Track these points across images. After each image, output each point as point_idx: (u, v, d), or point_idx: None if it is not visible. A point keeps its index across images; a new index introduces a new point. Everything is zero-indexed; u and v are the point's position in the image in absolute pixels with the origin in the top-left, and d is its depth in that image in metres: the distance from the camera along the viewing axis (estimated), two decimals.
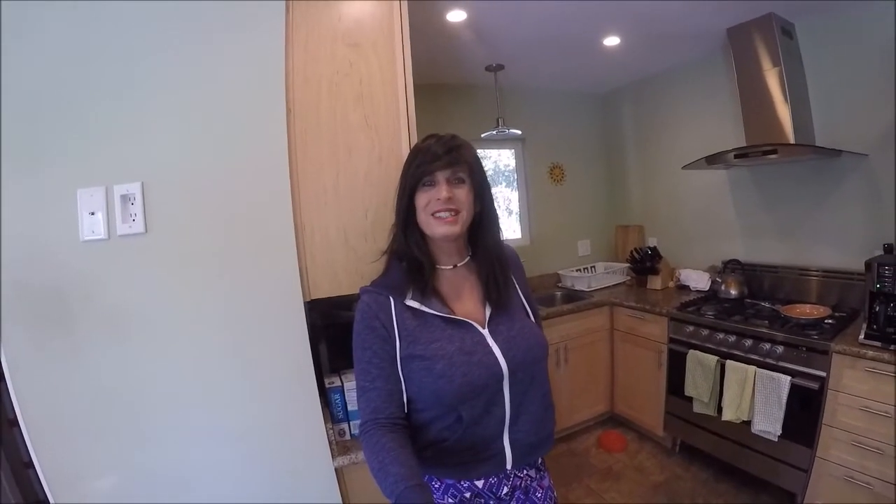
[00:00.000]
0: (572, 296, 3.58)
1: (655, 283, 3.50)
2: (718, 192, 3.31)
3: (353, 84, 1.44)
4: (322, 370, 1.63)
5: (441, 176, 1.07)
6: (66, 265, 1.17)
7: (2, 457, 1.40)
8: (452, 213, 1.07)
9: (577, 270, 3.87)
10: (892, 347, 1.91)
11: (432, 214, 1.08)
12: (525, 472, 1.17)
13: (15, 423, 1.19)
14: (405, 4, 1.51)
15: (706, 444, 2.73)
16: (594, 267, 4.00)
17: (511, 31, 2.56)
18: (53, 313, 1.16)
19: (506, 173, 3.98)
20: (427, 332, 1.07)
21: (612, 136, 4.18)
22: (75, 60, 1.15)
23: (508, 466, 1.12)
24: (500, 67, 3.16)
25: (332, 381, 1.55)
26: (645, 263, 3.54)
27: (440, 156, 1.06)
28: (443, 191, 1.06)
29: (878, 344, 1.96)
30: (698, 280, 3.32)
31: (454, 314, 1.10)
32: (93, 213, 1.18)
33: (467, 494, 1.11)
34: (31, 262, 1.14)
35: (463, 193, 1.09)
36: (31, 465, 1.19)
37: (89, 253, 1.19)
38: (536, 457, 1.20)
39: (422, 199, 1.08)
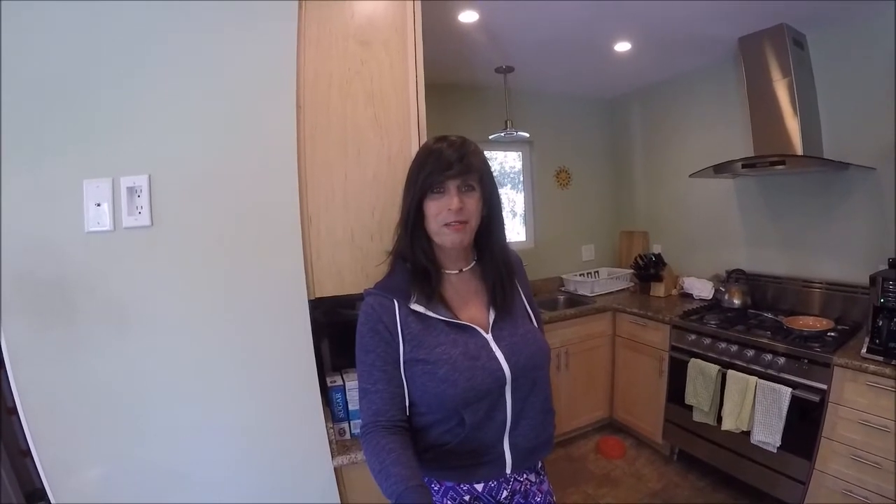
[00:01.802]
0: (575, 300, 3.57)
1: (659, 290, 3.50)
2: (724, 201, 3.30)
3: (364, 82, 1.43)
4: (324, 368, 1.63)
5: (452, 185, 1.06)
6: (70, 256, 1.17)
7: (0, 445, 1.40)
8: (461, 224, 1.07)
9: (580, 275, 3.88)
10: (894, 362, 1.90)
11: (443, 225, 1.06)
12: (525, 476, 1.17)
13: (14, 411, 1.19)
14: (419, 3, 1.50)
15: (705, 453, 2.73)
16: (598, 272, 4.00)
17: (522, 33, 2.56)
18: (56, 304, 1.16)
19: (512, 175, 3.97)
20: (431, 336, 1.06)
21: (619, 142, 4.17)
22: (84, 51, 1.15)
23: (508, 470, 1.11)
24: (510, 69, 3.16)
25: (334, 380, 1.55)
26: (649, 270, 3.53)
27: (452, 163, 1.04)
28: (454, 201, 1.05)
29: (881, 358, 1.96)
30: (702, 288, 3.31)
31: (459, 319, 1.09)
32: (98, 205, 1.17)
33: (467, 497, 1.11)
34: (34, 252, 1.14)
35: (472, 202, 1.08)
36: (28, 453, 1.19)
37: (94, 244, 1.18)
38: (535, 461, 1.20)
39: (432, 207, 1.07)
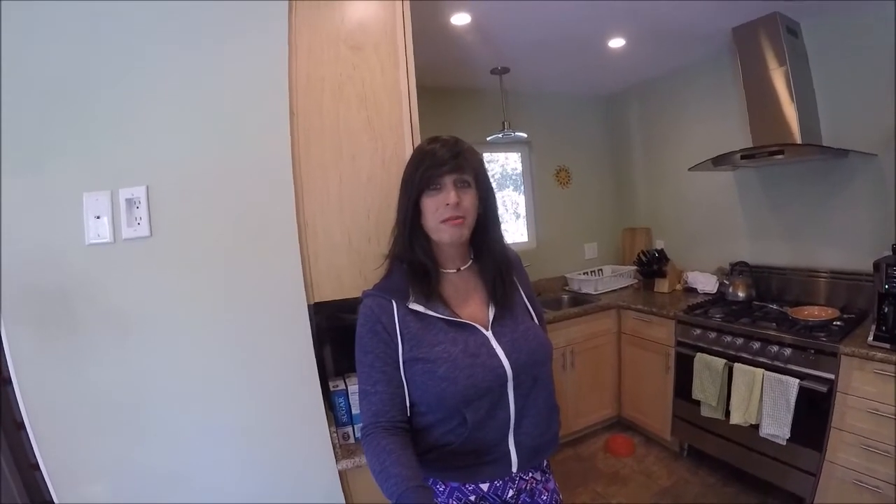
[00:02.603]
0: (579, 299, 3.57)
1: (663, 285, 3.48)
2: (725, 194, 3.29)
3: (357, 86, 1.44)
4: (326, 373, 1.63)
5: (448, 180, 1.07)
6: (71, 268, 1.17)
7: (8, 458, 1.41)
8: (459, 219, 1.07)
9: (583, 273, 3.86)
10: None
11: (441, 221, 1.07)
12: (530, 474, 1.17)
13: (22, 426, 1.20)
14: (407, 5, 1.51)
15: (714, 448, 2.72)
16: (601, 270, 3.98)
17: (516, 33, 2.57)
18: (58, 315, 1.16)
19: (513, 177, 3.97)
20: (430, 334, 1.06)
21: (617, 139, 4.17)
22: (81, 62, 1.16)
23: (514, 469, 1.11)
24: (506, 70, 3.17)
25: (337, 385, 1.55)
26: (652, 266, 3.53)
27: (447, 160, 1.06)
28: (451, 195, 1.05)
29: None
30: (706, 282, 3.30)
31: (458, 317, 1.09)
32: (98, 217, 1.18)
33: (472, 498, 1.10)
34: (36, 265, 1.15)
35: (469, 198, 1.09)
36: (37, 467, 1.20)
37: (94, 256, 1.19)
38: (541, 459, 1.19)
39: (429, 204, 1.08)
